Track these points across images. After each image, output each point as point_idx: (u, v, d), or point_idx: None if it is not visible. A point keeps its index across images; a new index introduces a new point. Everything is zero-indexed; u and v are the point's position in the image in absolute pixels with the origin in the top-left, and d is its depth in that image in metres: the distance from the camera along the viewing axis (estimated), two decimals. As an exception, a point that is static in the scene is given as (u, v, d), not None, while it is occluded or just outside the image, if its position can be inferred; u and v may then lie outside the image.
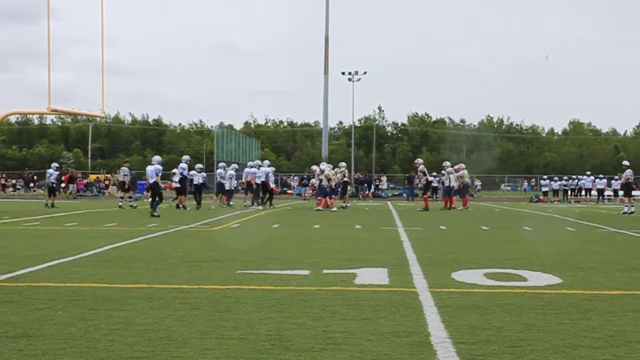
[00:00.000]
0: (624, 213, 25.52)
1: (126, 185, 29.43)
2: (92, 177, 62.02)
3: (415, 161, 29.91)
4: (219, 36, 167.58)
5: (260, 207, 27.11)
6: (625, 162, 27.40)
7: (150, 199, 22.68)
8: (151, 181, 22.39)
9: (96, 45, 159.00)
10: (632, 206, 26.21)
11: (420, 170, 28.14)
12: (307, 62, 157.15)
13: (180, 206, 26.89)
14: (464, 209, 27.68)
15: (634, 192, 28.46)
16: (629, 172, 26.06)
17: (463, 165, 29.52)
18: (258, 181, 27.84)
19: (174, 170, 27.23)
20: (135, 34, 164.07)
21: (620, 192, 36.66)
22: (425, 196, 28.18)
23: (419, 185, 29.95)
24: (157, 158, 22.85)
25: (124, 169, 29.59)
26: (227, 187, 30.06)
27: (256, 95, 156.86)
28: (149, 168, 22.56)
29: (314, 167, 29.95)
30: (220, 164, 32.20)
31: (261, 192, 28.37)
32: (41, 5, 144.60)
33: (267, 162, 30.06)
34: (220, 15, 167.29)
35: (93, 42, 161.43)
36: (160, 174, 22.28)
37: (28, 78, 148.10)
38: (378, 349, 4.84)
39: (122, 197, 29.36)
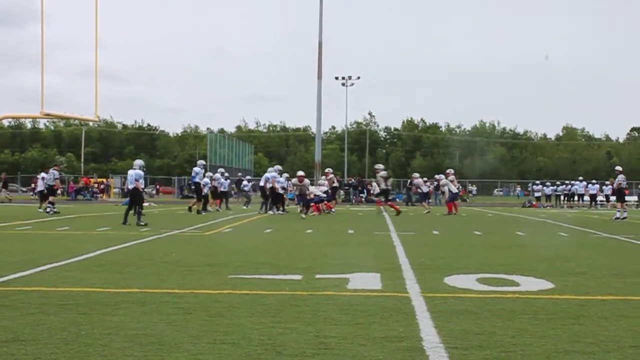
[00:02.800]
0: (617, 218, 25.59)
1: (55, 190, 27.31)
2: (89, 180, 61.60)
3: (437, 177, 31.31)
4: (211, 41, 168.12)
5: (279, 212, 27.04)
6: (618, 168, 27.45)
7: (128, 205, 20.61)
8: (130, 187, 20.24)
9: (83, 48, 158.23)
10: (625, 211, 26.28)
11: (443, 184, 29.96)
12: (301, 67, 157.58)
13: (194, 210, 27.01)
14: (455, 214, 27.89)
15: (626, 198, 28.53)
16: (621, 178, 26.10)
17: (452, 171, 30.39)
18: (277, 186, 27.65)
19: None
20: (124, 38, 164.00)
21: (613, 198, 36.74)
22: (450, 203, 28.86)
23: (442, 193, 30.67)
24: (138, 162, 20.61)
25: (54, 172, 27.19)
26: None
27: (249, 99, 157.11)
28: (130, 172, 20.41)
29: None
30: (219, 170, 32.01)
31: (263, 198, 28.49)
32: (27, 9, 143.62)
33: (277, 167, 29.92)
34: (212, 20, 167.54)
35: (80, 45, 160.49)
36: (141, 180, 19.94)
37: (14, 82, 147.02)
38: (370, 354, 4.84)
39: (52, 203, 26.48)
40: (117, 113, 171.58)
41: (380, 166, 29.41)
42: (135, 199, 20.00)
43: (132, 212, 19.78)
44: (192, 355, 4.77)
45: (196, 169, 28.16)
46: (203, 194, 29.08)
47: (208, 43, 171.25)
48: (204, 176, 28.09)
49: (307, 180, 25.16)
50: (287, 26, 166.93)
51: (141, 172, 19.96)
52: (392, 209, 27.14)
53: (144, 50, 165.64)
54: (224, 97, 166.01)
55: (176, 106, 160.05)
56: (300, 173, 25.88)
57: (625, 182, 26.56)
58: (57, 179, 27.11)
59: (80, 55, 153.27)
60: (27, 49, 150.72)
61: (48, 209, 26.00)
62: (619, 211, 26.19)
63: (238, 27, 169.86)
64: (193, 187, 27.69)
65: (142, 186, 20.15)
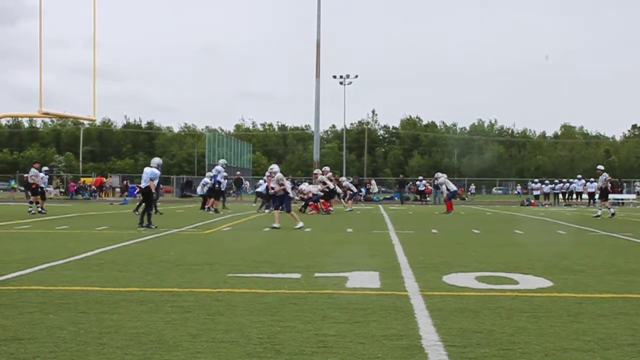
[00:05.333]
0: (597, 216, 25.92)
1: (37, 189, 25.96)
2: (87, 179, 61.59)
3: (436, 175, 31.79)
4: (207, 38, 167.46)
5: (267, 211, 27.03)
6: (600, 167, 27.89)
7: (140, 203, 19.71)
8: (143, 185, 18.68)
9: (76, 46, 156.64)
10: (610, 208, 26.68)
11: (441, 182, 29.88)
12: (299, 66, 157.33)
13: (212, 209, 27.19)
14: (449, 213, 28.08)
15: (624, 195, 28.97)
16: (605, 177, 26.55)
17: (444, 174, 31.38)
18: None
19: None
20: (117, 36, 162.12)
21: (584, 196, 37.63)
22: (448, 201, 29.19)
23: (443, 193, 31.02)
24: (155, 160, 19.33)
25: (33, 170, 26.27)
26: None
27: (247, 98, 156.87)
28: (145, 170, 18.86)
29: (303, 186, 30.33)
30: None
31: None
32: (18, 5, 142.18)
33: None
34: (209, 18, 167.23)
35: (72, 42, 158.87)
36: (156, 179, 18.64)
37: (7, 80, 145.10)
38: (369, 352, 4.84)
39: (31, 203, 26.01)
40: (111, 111, 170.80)
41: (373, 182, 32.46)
42: (146, 198, 18.47)
43: (148, 211, 18.34)
44: (191, 353, 4.77)
45: (218, 167, 28.19)
46: (200, 193, 29.02)
47: (204, 41, 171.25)
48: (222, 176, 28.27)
49: (279, 175, 18.97)
50: (285, 24, 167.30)
51: (157, 172, 18.67)
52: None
53: (137, 48, 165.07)
54: (221, 96, 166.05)
55: (172, 105, 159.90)
56: (271, 168, 19.96)
57: (608, 181, 27.07)
58: (34, 177, 26.12)
59: (72, 53, 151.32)
60: (19, 46, 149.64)
61: (30, 208, 25.64)
62: (600, 209, 26.67)
63: (235, 25, 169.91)
64: (217, 186, 27.72)
65: (155, 186, 18.71)
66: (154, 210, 20.01)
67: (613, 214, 25.76)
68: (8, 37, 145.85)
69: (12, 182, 50.10)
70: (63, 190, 56.32)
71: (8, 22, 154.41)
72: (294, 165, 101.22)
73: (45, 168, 29.53)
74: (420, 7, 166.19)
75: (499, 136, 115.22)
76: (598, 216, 25.83)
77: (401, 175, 55.17)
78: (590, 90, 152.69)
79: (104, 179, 62.78)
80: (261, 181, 32.05)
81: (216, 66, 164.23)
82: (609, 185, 26.88)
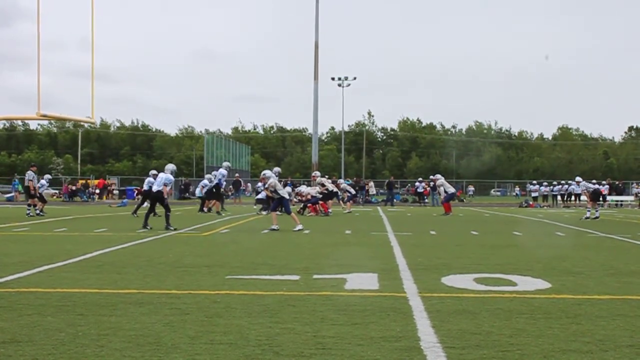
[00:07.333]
0: (587, 218, 25.98)
1: (32, 192, 25.86)
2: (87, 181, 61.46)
3: (434, 177, 32.36)
4: (207, 41, 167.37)
5: (264, 213, 27.04)
6: (578, 179, 30.28)
7: (139, 205, 20.21)
8: (155, 189, 18.93)
9: (71, 48, 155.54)
10: (597, 211, 26.88)
11: (439, 184, 29.88)
12: (297, 68, 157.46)
13: (218, 212, 27.26)
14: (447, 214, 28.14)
15: (622, 197, 29.41)
16: (585, 184, 28.42)
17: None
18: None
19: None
20: (115, 38, 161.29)
21: (583, 198, 38.66)
22: (446, 203, 29.31)
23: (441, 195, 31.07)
24: (169, 167, 19.58)
25: (30, 173, 26.04)
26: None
27: (245, 100, 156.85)
28: (160, 175, 19.29)
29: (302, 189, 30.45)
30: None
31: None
32: (11, 6, 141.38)
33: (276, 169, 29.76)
34: (208, 21, 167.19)
35: (68, 45, 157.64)
36: (169, 185, 18.92)
37: (2, 82, 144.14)
38: (368, 353, 4.84)
39: (29, 205, 25.81)
40: (109, 114, 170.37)
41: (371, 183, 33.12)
42: (158, 202, 18.80)
43: (167, 214, 18.62)
44: (190, 355, 4.77)
45: (222, 170, 28.29)
46: (198, 195, 29.06)
47: (203, 43, 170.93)
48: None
49: (272, 180, 18.88)
50: (283, 26, 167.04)
51: (172, 178, 19.07)
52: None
53: (136, 51, 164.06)
54: (220, 98, 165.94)
55: (171, 107, 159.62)
56: (263, 173, 19.62)
57: (591, 187, 28.23)
58: (31, 180, 25.92)
59: (68, 55, 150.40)
60: (15, 48, 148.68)
61: (28, 211, 25.44)
62: (589, 210, 26.89)
63: (233, 27, 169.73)
64: (221, 188, 27.83)
65: (169, 191, 18.85)
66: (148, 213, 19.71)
67: (596, 217, 25.93)
68: (3, 39, 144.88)
69: (18, 185, 50.34)
70: (56, 192, 56.32)
71: (3, 24, 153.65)
72: (292, 167, 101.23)
73: (47, 176, 29.30)
74: (419, 9, 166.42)
75: (497, 138, 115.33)
76: (588, 218, 25.94)
77: (391, 177, 55.39)
78: (587, 91, 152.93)
79: (107, 181, 62.79)
80: (260, 184, 32.12)
81: (215, 69, 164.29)
82: (601, 188, 27.50)
